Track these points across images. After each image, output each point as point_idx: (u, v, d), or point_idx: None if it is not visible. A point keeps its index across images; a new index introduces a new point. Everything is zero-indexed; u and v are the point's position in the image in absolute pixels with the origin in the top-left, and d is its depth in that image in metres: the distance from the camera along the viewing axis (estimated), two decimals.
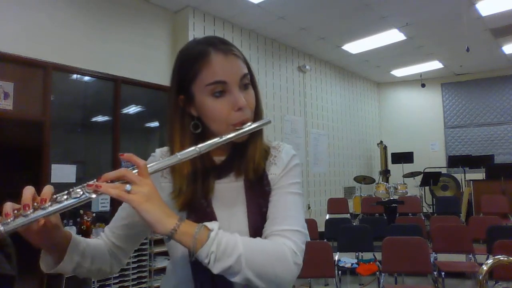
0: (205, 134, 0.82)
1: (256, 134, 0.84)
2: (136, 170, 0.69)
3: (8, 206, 0.63)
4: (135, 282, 3.77)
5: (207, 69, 0.77)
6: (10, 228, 0.61)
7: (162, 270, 3.90)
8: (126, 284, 3.69)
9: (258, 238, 0.75)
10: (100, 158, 4.41)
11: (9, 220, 0.61)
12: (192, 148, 0.73)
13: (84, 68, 4.18)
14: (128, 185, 0.67)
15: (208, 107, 0.78)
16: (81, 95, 4.36)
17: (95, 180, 0.67)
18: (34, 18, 3.81)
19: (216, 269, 0.67)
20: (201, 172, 0.82)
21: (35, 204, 0.63)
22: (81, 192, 0.65)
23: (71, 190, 0.66)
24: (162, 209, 0.67)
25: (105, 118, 4.55)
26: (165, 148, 0.91)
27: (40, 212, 0.63)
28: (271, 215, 0.80)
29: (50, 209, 0.64)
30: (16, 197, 0.67)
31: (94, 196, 0.66)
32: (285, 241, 0.74)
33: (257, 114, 0.84)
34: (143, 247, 3.85)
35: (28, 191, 0.64)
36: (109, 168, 4.37)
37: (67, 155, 4.03)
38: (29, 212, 0.62)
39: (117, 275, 3.62)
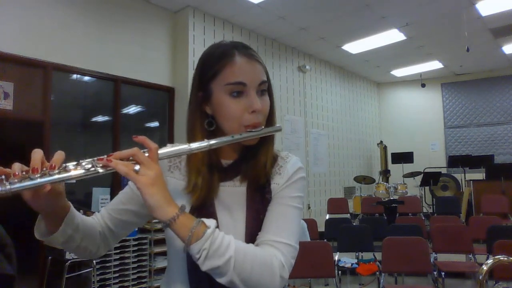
0: (217, 133, 0.83)
1: (268, 141, 0.86)
2: (147, 154, 0.71)
3: (17, 166, 0.63)
4: (135, 282, 3.77)
5: (229, 69, 0.80)
6: (15, 188, 0.61)
7: (162, 270, 3.90)
8: (126, 284, 3.69)
9: (250, 245, 0.75)
10: None
11: (16, 180, 0.61)
12: (205, 142, 0.75)
13: (84, 68, 4.19)
14: (137, 166, 0.68)
15: (224, 105, 0.80)
16: (81, 95, 4.36)
17: (105, 156, 0.68)
18: (34, 18, 3.81)
19: (205, 266, 0.68)
20: (208, 172, 0.83)
21: (44, 169, 0.64)
22: (90, 165, 0.66)
23: (80, 161, 0.67)
24: (165, 195, 0.69)
25: (105, 118, 4.56)
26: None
27: (47, 178, 0.63)
28: (267, 224, 0.80)
29: (58, 176, 0.64)
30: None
31: (101, 170, 0.67)
32: (276, 252, 0.75)
33: (269, 122, 0.86)
34: (143, 247, 3.85)
35: (37, 155, 0.65)
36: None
37: (67, 155, 4.02)
38: (36, 176, 0.63)
39: (117, 275, 3.63)
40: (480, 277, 1.10)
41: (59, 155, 0.67)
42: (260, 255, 0.73)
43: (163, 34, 5.01)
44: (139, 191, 0.68)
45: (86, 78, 4.34)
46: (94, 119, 4.50)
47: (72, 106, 4.27)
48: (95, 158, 0.67)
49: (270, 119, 0.86)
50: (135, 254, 3.77)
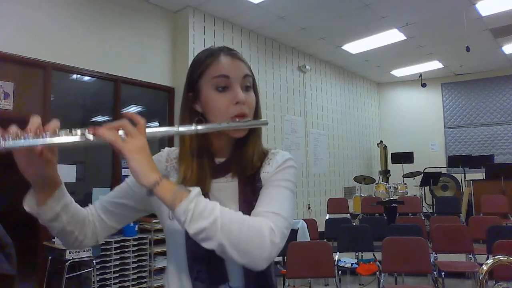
0: None
1: (255, 135, 0.90)
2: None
3: (13, 126, 0.67)
4: (135, 282, 3.77)
5: (214, 65, 0.86)
6: (9, 146, 0.65)
7: (162, 270, 3.90)
8: (126, 284, 3.69)
9: (239, 212, 0.75)
10: (100, 158, 4.41)
11: (10, 139, 0.65)
12: (192, 125, 0.78)
13: (84, 68, 4.19)
14: (123, 135, 0.72)
15: (211, 100, 0.85)
16: (81, 95, 4.36)
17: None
18: (34, 18, 3.81)
19: (191, 228, 0.68)
20: (198, 166, 0.86)
21: (37, 132, 0.68)
22: (81, 133, 0.70)
23: (72, 129, 0.70)
24: (149, 162, 0.72)
25: (105, 118, 4.56)
26: (173, 148, 0.97)
27: (39, 140, 0.67)
28: (258, 202, 0.81)
29: (49, 140, 0.68)
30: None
31: (91, 138, 0.70)
32: (266, 220, 0.74)
33: (255, 117, 0.90)
34: (143, 247, 3.85)
35: (35, 119, 0.69)
36: (109, 168, 4.37)
37: (67, 155, 4.03)
38: (29, 137, 0.67)
39: (117, 275, 3.63)
40: (480, 277, 1.10)
41: (54, 122, 0.70)
42: (248, 219, 0.73)
43: (163, 34, 5.01)
44: (125, 158, 0.71)
45: (86, 78, 4.34)
46: (94, 119, 4.50)
47: (72, 106, 4.28)
48: (86, 128, 0.70)
49: (256, 114, 0.90)
50: (135, 254, 3.77)
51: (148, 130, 0.74)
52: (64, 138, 0.68)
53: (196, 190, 0.71)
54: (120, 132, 0.72)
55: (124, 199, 0.91)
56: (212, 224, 0.68)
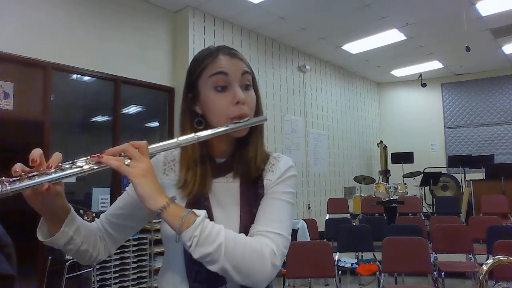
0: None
1: (257, 134, 0.89)
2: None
3: (18, 166, 0.66)
4: (135, 282, 3.77)
5: (213, 64, 0.85)
6: (16, 188, 0.64)
7: None
8: (126, 284, 3.69)
9: (241, 234, 0.77)
10: None
11: (16, 181, 0.65)
12: (192, 135, 0.78)
13: (84, 68, 4.18)
14: (128, 160, 0.72)
15: (210, 100, 0.84)
16: (81, 95, 4.36)
17: (98, 153, 0.72)
18: (34, 18, 3.81)
19: (196, 253, 0.70)
20: (200, 168, 0.86)
21: (41, 169, 0.68)
22: (84, 163, 0.70)
23: (75, 160, 0.70)
24: (155, 186, 0.72)
25: (105, 118, 4.56)
26: (170, 150, 0.95)
27: (44, 177, 0.67)
28: (259, 216, 0.82)
29: (54, 175, 0.68)
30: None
31: (96, 167, 0.70)
32: (267, 241, 0.76)
33: (256, 116, 0.88)
34: (143, 247, 3.85)
35: (37, 153, 0.68)
36: (108, 168, 4.37)
37: (67, 155, 4.02)
38: (34, 176, 0.66)
39: (117, 275, 3.62)
40: (480, 277, 1.10)
41: (56, 156, 0.70)
42: (251, 243, 0.75)
43: (163, 34, 5.01)
44: (131, 184, 0.71)
45: (86, 78, 4.34)
46: (94, 119, 4.50)
47: (72, 106, 4.27)
48: (89, 156, 0.71)
49: (257, 113, 0.88)
50: (135, 254, 3.77)
51: (150, 147, 0.75)
52: (69, 171, 0.69)
53: (202, 214, 0.72)
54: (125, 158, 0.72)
55: (125, 209, 0.91)
56: (216, 250, 0.69)
